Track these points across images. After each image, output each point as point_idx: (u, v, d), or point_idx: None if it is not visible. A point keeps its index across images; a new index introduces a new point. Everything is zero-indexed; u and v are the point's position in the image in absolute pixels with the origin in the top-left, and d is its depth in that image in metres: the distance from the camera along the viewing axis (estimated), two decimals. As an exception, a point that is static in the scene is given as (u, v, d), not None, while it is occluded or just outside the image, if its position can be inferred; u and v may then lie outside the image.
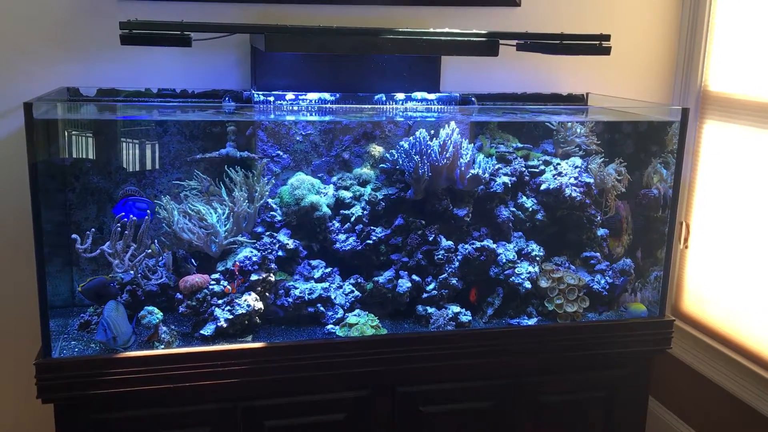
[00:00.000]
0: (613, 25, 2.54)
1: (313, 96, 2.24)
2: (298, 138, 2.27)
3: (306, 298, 2.09)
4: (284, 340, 2.02)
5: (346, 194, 2.24)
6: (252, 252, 2.06)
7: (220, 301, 2.01)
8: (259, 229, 2.17)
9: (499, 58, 2.05)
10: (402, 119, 2.34)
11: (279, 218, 2.19)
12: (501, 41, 2.02)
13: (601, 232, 2.37)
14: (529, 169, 2.36)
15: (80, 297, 2.11)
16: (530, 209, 2.32)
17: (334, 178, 2.29)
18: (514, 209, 2.32)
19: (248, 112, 2.25)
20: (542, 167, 2.37)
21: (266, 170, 2.23)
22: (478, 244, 2.20)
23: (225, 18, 2.27)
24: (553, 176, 2.33)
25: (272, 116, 2.26)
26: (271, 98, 2.21)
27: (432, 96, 2.33)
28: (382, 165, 2.28)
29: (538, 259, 2.26)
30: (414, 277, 2.18)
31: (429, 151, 2.15)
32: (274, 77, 2.26)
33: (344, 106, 2.27)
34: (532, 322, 2.19)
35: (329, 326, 2.09)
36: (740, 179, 2.42)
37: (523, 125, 2.50)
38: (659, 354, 2.33)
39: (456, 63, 2.47)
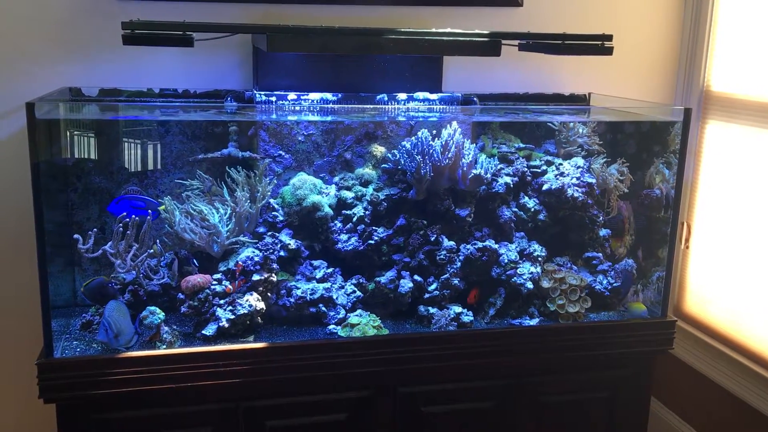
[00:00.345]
0: (615, 25, 2.53)
1: (315, 96, 2.24)
2: (300, 138, 2.27)
3: (308, 298, 2.09)
4: (286, 340, 2.02)
5: (348, 194, 2.24)
6: (254, 252, 2.06)
7: (221, 301, 2.01)
8: (261, 229, 2.17)
9: (501, 58, 2.05)
10: (404, 119, 2.34)
11: (281, 218, 2.19)
12: (503, 41, 2.02)
13: (603, 232, 2.37)
14: (531, 170, 2.36)
15: (82, 297, 2.11)
16: (532, 209, 2.32)
17: (336, 178, 2.29)
18: (516, 209, 2.32)
19: (250, 112, 2.25)
20: (544, 167, 2.37)
21: (268, 170, 2.22)
22: (480, 245, 2.20)
23: (227, 18, 2.27)
24: (555, 176, 2.33)
25: (274, 116, 2.26)
26: (273, 98, 2.21)
27: (434, 96, 2.33)
28: (384, 165, 2.27)
29: (540, 259, 2.25)
30: (416, 277, 2.17)
31: (431, 151, 2.14)
32: (276, 77, 2.26)
33: (346, 106, 2.26)
34: (533, 322, 2.19)
35: (331, 326, 2.09)
36: (742, 180, 2.41)
37: (525, 125, 2.50)
38: (661, 354, 2.33)
39: (458, 63, 2.47)
